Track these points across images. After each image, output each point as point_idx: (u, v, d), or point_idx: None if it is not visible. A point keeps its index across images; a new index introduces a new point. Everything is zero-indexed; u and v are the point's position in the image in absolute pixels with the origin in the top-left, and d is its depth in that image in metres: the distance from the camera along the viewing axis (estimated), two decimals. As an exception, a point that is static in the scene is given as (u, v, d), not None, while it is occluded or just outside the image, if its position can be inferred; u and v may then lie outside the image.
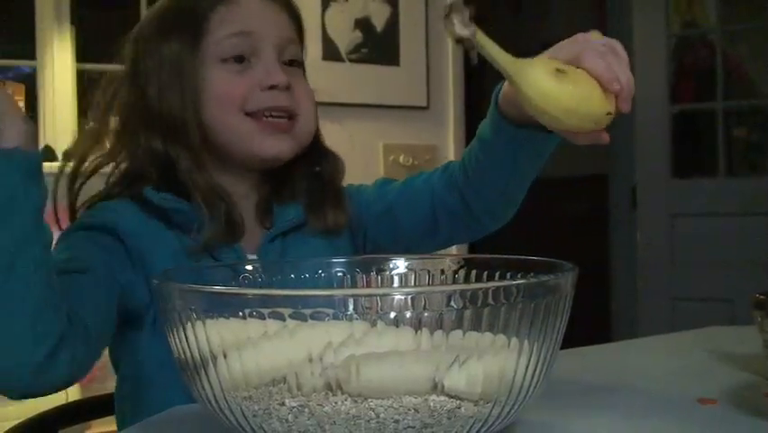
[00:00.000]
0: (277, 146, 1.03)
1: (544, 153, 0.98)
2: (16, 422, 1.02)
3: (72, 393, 2.03)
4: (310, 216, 1.08)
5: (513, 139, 0.94)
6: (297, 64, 1.07)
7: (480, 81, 3.09)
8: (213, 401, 0.60)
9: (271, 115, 1.02)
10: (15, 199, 0.74)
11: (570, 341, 0.80)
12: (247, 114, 1.01)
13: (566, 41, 0.85)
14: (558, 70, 0.79)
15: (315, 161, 1.11)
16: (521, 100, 0.80)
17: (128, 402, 1.02)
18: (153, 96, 1.02)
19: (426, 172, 1.12)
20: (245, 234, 1.03)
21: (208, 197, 0.99)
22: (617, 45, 0.84)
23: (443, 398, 0.57)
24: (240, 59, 1.02)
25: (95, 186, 1.06)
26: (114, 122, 1.07)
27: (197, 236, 0.98)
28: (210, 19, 1.01)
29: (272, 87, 1.01)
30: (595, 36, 0.84)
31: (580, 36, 0.85)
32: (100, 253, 0.93)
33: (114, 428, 1.08)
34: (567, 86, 0.79)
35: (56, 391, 0.81)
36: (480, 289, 0.56)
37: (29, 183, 0.75)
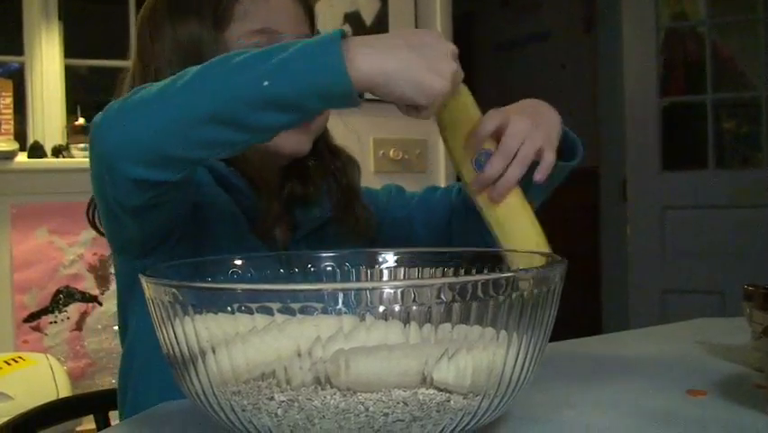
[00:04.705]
0: (295, 142, 1.02)
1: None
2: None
3: (62, 390, 2.03)
4: (338, 216, 1.09)
5: None
6: None
7: (468, 76, 3.07)
8: (202, 397, 0.60)
9: None
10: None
11: (560, 333, 0.80)
12: None
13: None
14: None
15: (329, 159, 1.12)
16: None
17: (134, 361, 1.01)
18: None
19: (443, 187, 1.16)
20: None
21: (256, 181, 1.02)
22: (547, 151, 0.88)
23: (432, 391, 0.57)
24: None
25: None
26: None
27: (258, 216, 1.00)
28: (235, 8, 1.00)
29: None
30: None
31: None
32: None
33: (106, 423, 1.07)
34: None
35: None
36: (469, 282, 0.56)
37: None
